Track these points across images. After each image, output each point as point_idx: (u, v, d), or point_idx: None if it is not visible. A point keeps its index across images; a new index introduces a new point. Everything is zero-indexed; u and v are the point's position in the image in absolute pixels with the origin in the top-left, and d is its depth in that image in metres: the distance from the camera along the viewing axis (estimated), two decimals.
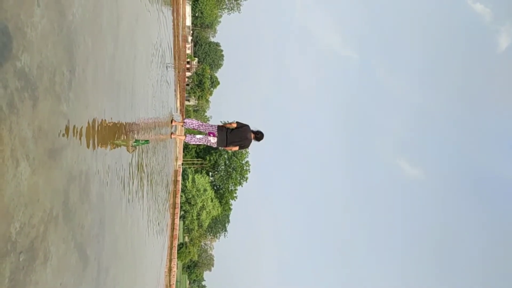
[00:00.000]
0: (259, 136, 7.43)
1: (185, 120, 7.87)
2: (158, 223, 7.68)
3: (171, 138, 8.98)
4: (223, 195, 65.94)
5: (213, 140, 7.18)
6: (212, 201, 60.25)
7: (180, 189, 17.32)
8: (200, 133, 7.69)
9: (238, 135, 7.22)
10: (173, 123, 8.69)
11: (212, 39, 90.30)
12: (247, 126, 7.36)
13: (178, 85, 14.99)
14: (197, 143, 7.51)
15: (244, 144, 7.25)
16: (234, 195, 67.38)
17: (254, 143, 7.50)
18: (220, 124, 7.80)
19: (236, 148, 7.28)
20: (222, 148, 7.52)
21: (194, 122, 7.74)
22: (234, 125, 7.33)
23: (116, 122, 2.99)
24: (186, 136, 7.75)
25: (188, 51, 61.62)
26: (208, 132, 7.33)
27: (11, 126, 1.29)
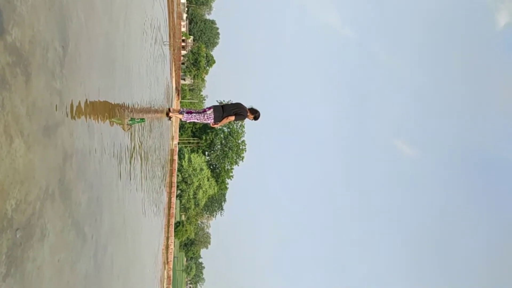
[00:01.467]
0: (257, 114, 7.53)
1: (181, 110, 7.96)
2: (155, 202, 7.72)
3: (167, 117, 8.95)
4: (219, 174, 66.23)
5: (209, 112, 7.32)
6: (208, 180, 60.58)
7: (176, 168, 17.37)
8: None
9: (233, 105, 7.55)
10: (171, 111, 8.76)
11: (207, 17, 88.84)
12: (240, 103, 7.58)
13: (173, 63, 14.81)
14: (193, 120, 7.58)
15: (240, 112, 7.38)
16: (231, 174, 67.68)
17: (253, 122, 7.70)
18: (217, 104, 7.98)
19: (233, 118, 7.37)
20: (219, 126, 7.65)
21: (191, 110, 7.88)
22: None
23: (111, 100, 2.95)
24: (183, 115, 7.74)
25: (183, 29, 60.70)
26: (204, 109, 7.47)
27: (3, 102, 1.27)
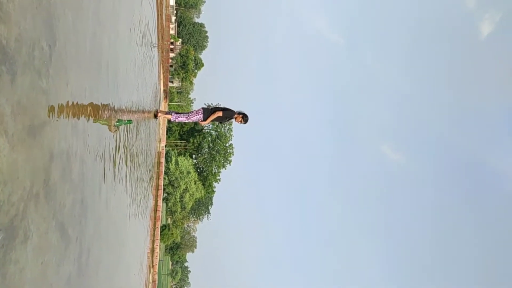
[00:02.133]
0: (246, 118, 7.64)
1: (172, 114, 8.00)
2: (141, 205, 7.65)
3: (156, 118, 8.91)
4: (206, 178, 65.95)
5: (197, 108, 7.55)
6: (195, 183, 60.26)
7: (163, 171, 17.26)
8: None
9: (222, 108, 7.77)
10: (159, 112, 8.78)
11: (196, 20, 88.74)
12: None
13: (161, 66, 14.75)
14: (182, 119, 7.65)
15: (227, 109, 7.54)
16: (218, 177, 67.44)
17: (241, 125, 7.84)
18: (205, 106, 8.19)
19: (220, 113, 7.48)
20: (207, 123, 7.77)
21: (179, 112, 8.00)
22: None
23: (98, 100, 2.92)
24: (171, 115, 7.76)
25: (172, 32, 60.45)
26: (192, 111, 7.63)
27: None
